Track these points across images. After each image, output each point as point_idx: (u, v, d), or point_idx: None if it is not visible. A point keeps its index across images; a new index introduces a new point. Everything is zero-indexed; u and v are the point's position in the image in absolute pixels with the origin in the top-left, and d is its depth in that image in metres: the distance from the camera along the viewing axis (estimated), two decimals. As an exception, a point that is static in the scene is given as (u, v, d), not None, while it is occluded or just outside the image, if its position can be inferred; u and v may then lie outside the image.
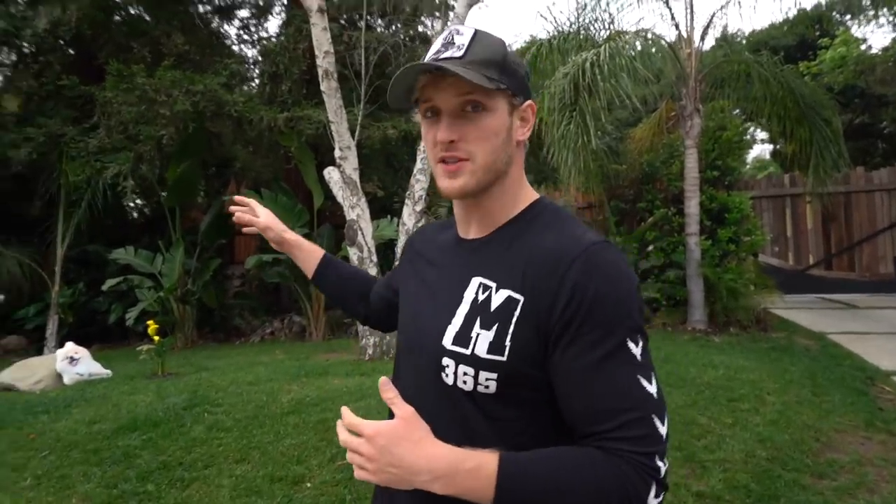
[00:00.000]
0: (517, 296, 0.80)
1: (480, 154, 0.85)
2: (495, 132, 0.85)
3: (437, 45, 0.86)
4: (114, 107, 7.78)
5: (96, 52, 9.15)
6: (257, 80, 9.87)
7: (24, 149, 8.08)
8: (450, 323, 0.85)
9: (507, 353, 0.79)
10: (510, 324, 0.80)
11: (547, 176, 11.25)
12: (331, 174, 5.73)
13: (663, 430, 0.75)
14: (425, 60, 0.85)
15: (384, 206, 8.63)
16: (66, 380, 5.21)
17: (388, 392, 0.77)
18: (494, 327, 0.80)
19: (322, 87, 5.55)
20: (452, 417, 0.83)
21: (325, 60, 5.50)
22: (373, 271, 5.59)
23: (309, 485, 2.98)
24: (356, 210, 5.56)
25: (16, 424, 3.92)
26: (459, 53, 0.83)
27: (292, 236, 1.32)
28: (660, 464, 0.74)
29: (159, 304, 8.02)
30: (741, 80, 7.17)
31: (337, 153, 5.60)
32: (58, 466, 3.25)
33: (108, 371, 5.54)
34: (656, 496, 0.73)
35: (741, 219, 7.26)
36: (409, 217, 5.56)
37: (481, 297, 0.83)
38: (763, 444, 3.34)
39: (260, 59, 9.99)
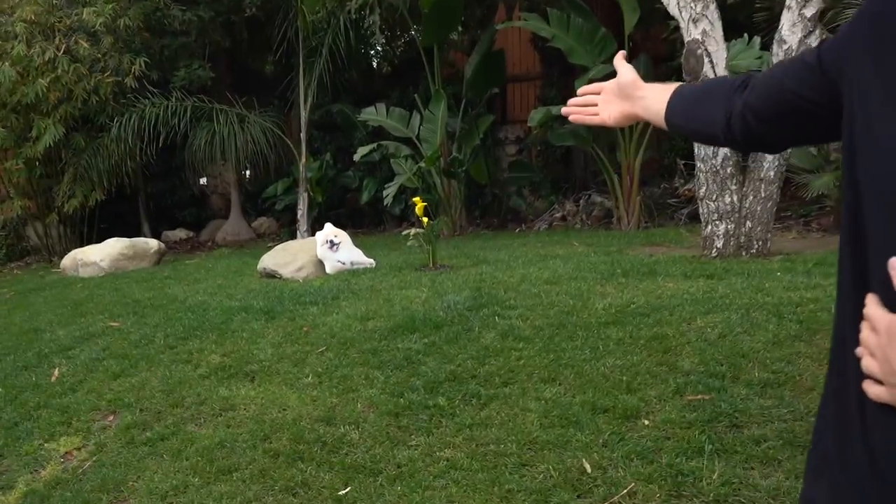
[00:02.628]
0: None
1: None
2: None
3: None
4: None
5: None
6: None
7: (256, -16, 9.34)
8: None
9: None
10: None
11: None
12: (658, -28, 5.44)
13: None
14: None
15: (732, 21, 7.93)
16: (328, 268, 6.15)
17: None
18: None
19: None
20: None
21: None
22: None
23: (647, 422, 3.03)
24: (701, 25, 5.24)
25: (287, 315, 4.79)
26: None
27: (646, 95, 1.34)
28: None
29: (419, 178, 8.85)
30: None
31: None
32: (337, 366, 3.90)
33: (371, 260, 6.36)
34: None
35: None
36: (792, 29, 5.02)
37: None
38: None
39: None
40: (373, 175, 9.73)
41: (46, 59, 8.89)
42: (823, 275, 4.70)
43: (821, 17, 5.23)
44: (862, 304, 0.88)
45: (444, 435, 3.14)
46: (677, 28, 7.31)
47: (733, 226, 5.35)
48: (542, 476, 2.78)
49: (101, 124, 9.67)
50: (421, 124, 9.17)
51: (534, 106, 9.38)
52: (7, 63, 8.73)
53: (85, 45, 9.08)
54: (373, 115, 9.44)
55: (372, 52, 11.85)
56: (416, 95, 9.56)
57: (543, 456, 2.90)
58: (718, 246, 5.44)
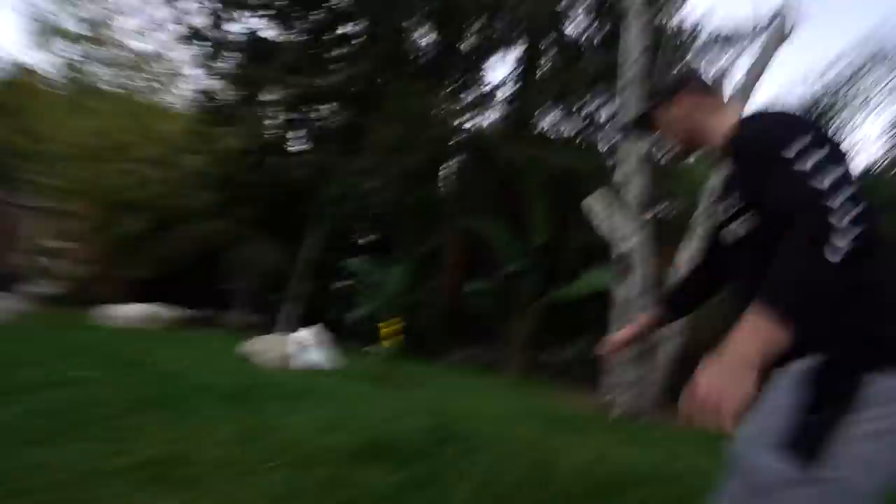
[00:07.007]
0: None
1: None
2: None
3: None
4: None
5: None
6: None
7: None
8: None
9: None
10: None
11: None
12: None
13: (826, 183, 1.04)
14: None
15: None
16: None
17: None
18: None
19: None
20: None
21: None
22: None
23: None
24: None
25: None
26: None
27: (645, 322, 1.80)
28: (830, 203, 1.02)
29: (375, 311, 10.39)
30: None
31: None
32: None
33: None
34: (839, 237, 1.01)
35: None
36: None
37: None
38: None
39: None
40: (343, 302, 11.62)
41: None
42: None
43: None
44: None
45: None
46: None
47: (633, 397, 5.98)
48: None
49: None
50: (384, 276, 11.22)
51: (468, 279, 11.57)
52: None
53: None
54: (352, 264, 11.51)
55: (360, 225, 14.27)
56: (390, 257, 11.81)
57: None
58: (620, 411, 6.10)
